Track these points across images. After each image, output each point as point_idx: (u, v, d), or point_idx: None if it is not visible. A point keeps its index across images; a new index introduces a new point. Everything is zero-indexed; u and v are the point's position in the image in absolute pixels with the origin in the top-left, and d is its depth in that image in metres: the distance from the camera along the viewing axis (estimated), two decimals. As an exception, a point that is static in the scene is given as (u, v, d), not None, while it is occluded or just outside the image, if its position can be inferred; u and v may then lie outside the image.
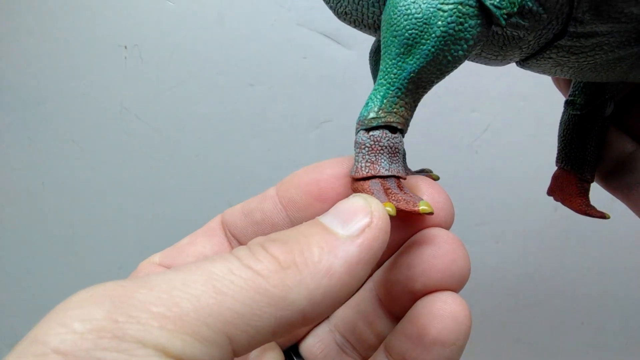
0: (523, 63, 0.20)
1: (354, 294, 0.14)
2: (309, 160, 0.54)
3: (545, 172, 0.46)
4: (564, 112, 0.25)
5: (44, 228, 0.53)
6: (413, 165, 0.25)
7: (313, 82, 0.48)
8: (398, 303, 0.17)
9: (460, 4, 0.15)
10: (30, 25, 0.50)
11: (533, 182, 0.47)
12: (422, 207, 0.16)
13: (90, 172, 0.51)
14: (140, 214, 0.51)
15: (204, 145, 0.50)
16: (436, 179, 0.23)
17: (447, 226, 0.17)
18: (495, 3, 0.15)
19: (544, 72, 0.20)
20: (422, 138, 0.47)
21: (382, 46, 0.17)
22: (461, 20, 0.15)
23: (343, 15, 0.20)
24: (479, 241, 0.48)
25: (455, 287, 0.16)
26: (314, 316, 0.13)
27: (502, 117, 0.46)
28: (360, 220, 0.14)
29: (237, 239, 0.19)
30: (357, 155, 0.17)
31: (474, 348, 0.50)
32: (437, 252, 0.16)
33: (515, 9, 0.16)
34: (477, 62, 0.20)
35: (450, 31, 0.15)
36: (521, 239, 0.48)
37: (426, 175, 0.23)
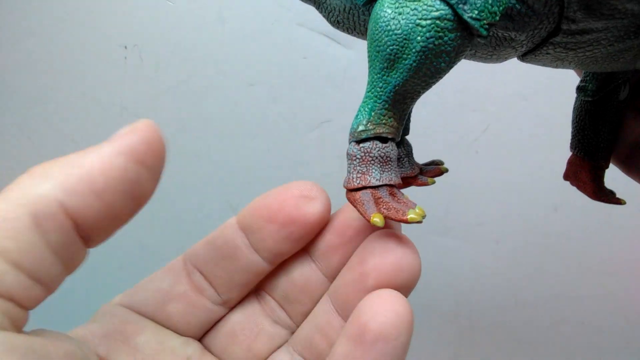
0: (522, 58, 0.20)
1: (119, 188, 0.15)
2: (309, 160, 0.55)
3: (545, 172, 0.46)
4: (576, 98, 0.24)
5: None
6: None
7: (313, 82, 0.48)
8: (354, 306, 0.17)
9: (438, 18, 0.15)
10: (30, 25, 0.50)
11: (533, 182, 0.47)
12: (410, 216, 0.16)
13: (90, 172, 0.51)
14: (140, 214, 0.51)
15: (204, 145, 0.50)
16: (445, 171, 0.23)
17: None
18: (474, 15, 0.15)
19: (545, 65, 0.20)
20: (422, 138, 0.47)
21: (368, 59, 0.17)
22: (440, 34, 0.15)
23: (336, 24, 0.20)
24: (479, 241, 0.48)
25: (406, 283, 0.17)
26: (75, 204, 0.14)
27: (502, 117, 0.46)
28: (123, 129, 0.16)
29: (199, 270, 0.20)
30: (349, 167, 0.17)
31: (474, 348, 0.50)
32: (387, 246, 0.17)
33: (497, 18, 0.16)
34: (473, 60, 0.20)
35: (430, 46, 0.15)
36: (521, 239, 0.48)
37: (435, 169, 0.23)
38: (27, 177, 0.14)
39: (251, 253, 0.19)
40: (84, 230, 0.14)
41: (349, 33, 0.20)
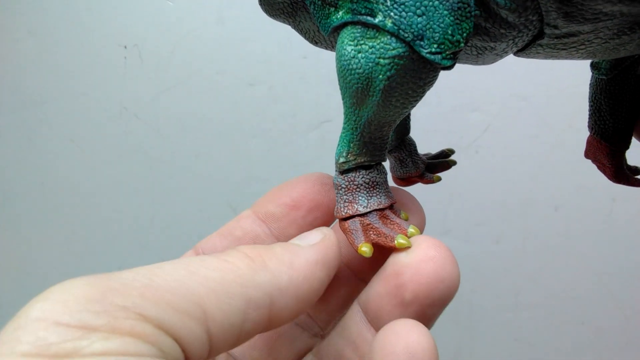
0: (514, 54, 0.19)
1: (313, 298, 0.15)
2: (309, 160, 0.55)
3: (545, 172, 0.46)
4: (592, 75, 0.23)
5: (43, 228, 0.53)
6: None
7: (313, 82, 0.47)
8: (389, 320, 0.16)
9: (397, 57, 0.15)
10: (30, 25, 0.50)
11: (533, 182, 0.47)
12: (398, 242, 0.16)
13: (90, 172, 0.51)
14: (140, 214, 0.51)
15: (204, 145, 0.50)
16: (453, 164, 0.23)
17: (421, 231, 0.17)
18: (433, 50, 0.14)
19: (541, 59, 0.19)
20: (422, 138, 0.47)
21: (340, 90, 0.17)
22: (401, 72, 0.15)
23: (314, 42, 0.20)
24: (479, 241, 0.48)
25: (445, 295, 0.16)
26: (280, 305, 0.14)
27: (502, 117, 0.46)
28: (315, 236, 0.16)
29: None
30: (337, 196, 0.18)
31: (474, 348, 0.50)
32: (424, 255, 0.16)
33: (462, 45, 0.15)
34: (460, 63, 0.19)
35: (393, 84, 0.15)
36: (521, 239, 0.48)
37: (442, 163, 0.23)
38: (248, 261, 0.14)
39: (273, 242, 0.19)
40: (271, 325, 0.15)
41: (329, 50, 0.20)
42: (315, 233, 0.17)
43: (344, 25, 0.16)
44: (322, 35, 0.19)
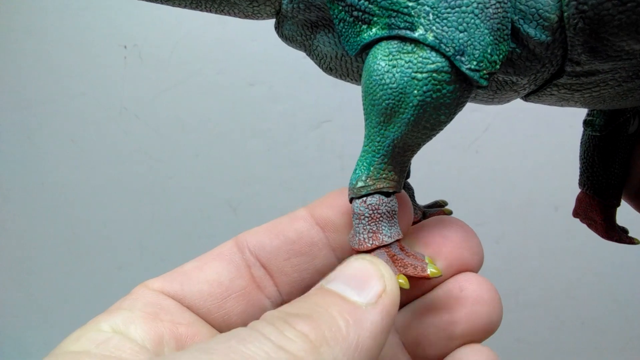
0: (525, 98, 0.19)
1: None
2: (309, 160, 0.54)
3: (545, 172, 0.46)
4: (583, 133, 0.23)
5: (43, 228, 0.53)
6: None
7: (313, 82, 0.47)
8: (432, 349, 0.16)
9: (435, 71, 0.15)
10: (30, 25, 0.50)
11: (533, 182, 0.47)
12: (430, 271, 0.16)
13: (90, 172, 0.51)
14: (140, 214, 0.51)
15: (204, 145, 0.50)
16: (449, 213, 0.23)
17: (476, 269, 0.17)
18: (473, 67, 0.15)
19: (549, 105, 0.19)
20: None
21: (363, 111, 0.16)
22: (438, 87, 0.15)
23: (328, 70, 0.19)
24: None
25: (488, 334, 0.17)
26: None
27: (502, 117, 0.46)
28: (375, 286, 0.14)
29: (261, 262, 0.18)
30: (358, 226, 0.16)
31: (474, 348, 0.50)
32: (480, 298, 0.16)
33: (498, 67, 0.15)
34: (474, 103, 0.20)
35: (428, 99, 0.15)
36: (521, 239, 0.48)
37: (438, 211, 0.22)
38: (309, 347, 0.13)
39: (329, 253, 0.18)
40: None
41: (342, 79, 0.20)
42: (372, 277, 0.14)
43: (377, 41, 0.16)
44: (340, 61, 0.18)
